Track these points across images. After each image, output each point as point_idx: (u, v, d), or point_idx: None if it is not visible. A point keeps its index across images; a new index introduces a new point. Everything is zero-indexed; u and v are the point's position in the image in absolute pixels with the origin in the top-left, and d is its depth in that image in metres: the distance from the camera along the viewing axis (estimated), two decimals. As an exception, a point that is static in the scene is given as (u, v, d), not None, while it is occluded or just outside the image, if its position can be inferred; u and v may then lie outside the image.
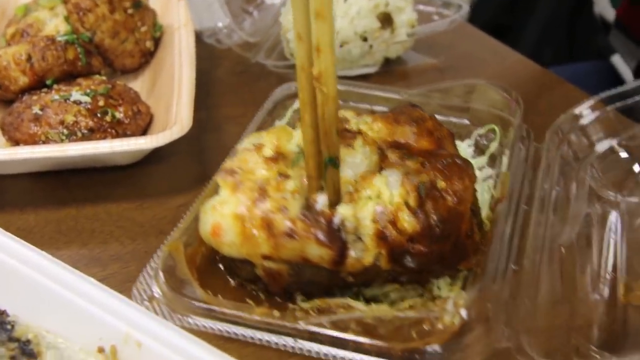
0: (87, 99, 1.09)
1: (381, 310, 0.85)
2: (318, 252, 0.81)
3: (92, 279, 0.74)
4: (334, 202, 0.83)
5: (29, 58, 1.13)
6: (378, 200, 0.83)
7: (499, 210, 0.94)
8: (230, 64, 1.39)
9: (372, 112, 0.98)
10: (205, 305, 0.81)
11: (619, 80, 1.51)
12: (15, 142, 1.09)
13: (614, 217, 0.99)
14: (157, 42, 1.35)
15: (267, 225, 0.82)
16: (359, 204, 0.83)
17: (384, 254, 0.82)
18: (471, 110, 1.13)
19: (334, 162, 0.82)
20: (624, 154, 1.06)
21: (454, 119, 1.01)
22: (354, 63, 1.31)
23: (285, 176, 0.86)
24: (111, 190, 1.08)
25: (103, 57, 1.26)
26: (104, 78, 1.19)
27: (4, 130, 1.10)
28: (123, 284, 0.91)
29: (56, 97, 1.10)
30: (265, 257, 0.83)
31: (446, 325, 0.77)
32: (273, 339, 0.80)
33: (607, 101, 1.07)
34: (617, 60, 1.66)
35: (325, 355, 0.79)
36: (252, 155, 0.90)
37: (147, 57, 1.33)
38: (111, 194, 1.08)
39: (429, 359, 0.76)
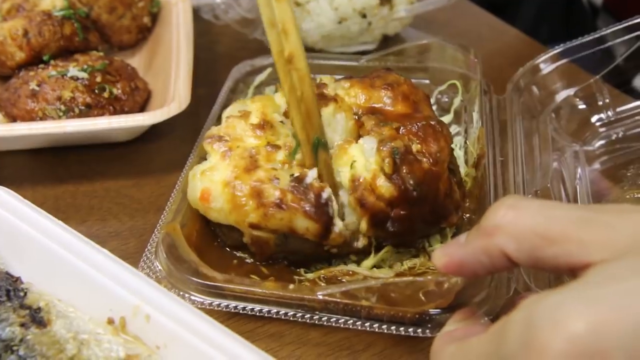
0: (84, 74, 1.10)
1: (383, 272, 0.89)
2: (305, 225, 0.85)
3: (105, 251, 0.77)
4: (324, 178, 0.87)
5: (26, 33, 1.14)
6: (352, 169, 0.87)
7: (484, 165, 0.98)
8: (228, 40, 1.41)
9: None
10: (214, 284, 0.83)
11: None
12: (12, 119, 1.10)
13: (575, 164, 1.05)
14: (154, 18, 1.36)
15: (257, 194, 0.85)
16: (337, 173, 0.88)
17: (365, 220, 0.86)
18: (430, 70, 1.17)
19: (323, 144, 0.87)
20: (581, 105, 1.12)
21: (413, 80, 1.02)
22: (352, 40, 1.31)
23: (275, 147, 0.89)
24: (109, 167, 1.11)
25: (100, 33, 1.27)
26: (101, 54, 1.20)
27: (1, 106, 1.13)
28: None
29: (53, 72, 1.11)
30: (253, 226, 0.86)
31: (452, 284, 0.79)
32: (289, 311, 0.82)
33: (564, 54, 1.12)
34: None
35: (344, 323, 0.82)
36: (239, 122, 0.93)
37: (144, 33, 1.34)
38: (109, 171, 1.10)
39: (439, 319, 0.79)
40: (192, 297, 0.82)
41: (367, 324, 0.81)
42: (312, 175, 0.86)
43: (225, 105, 1.06)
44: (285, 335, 0.84)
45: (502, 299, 0.79)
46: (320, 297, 0.80)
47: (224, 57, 1.36)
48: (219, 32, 1.42)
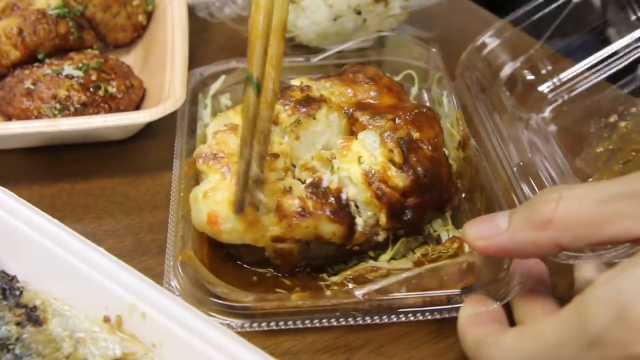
0: (79, 73, 1.10)
1: (402, 263, 0.90)
2: (331, 229, 0.85)
3: (101, 249, 0.77)
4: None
5: (20, 32, 1.14)
6: (361, 164, 0.87)
7: (472, 146, 1.00)
8: (223, 38, 1.40)
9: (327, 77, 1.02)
10: (249, 304, 0.81)
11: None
12: (8, 117, 1.11)
13: (539, 131, 1.09)
14: (149, 16, 1.36)
15: (276, 207, 0.84)
16: (346, 173, 0.88)
17: (383, 213, 0.86)
18: (385, 63, 1.20)
19: (254, 82, 0.82)
20: (529, 76, 1.17)
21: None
22: (347, 37, 1.31)
23: (274, 155, 0.88)
24: (105, 166, 1.11)
25: (95, 31, 1.27)
26: (96, 52, 1.21)
27: (-4, 105, 1.10)
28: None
29: (48, 71, 1.12)
30: (277, 239, 0.85)
31: (472, 264, 0.82)
32: (327, 318, 0.82)
33: (508, 26, 1.19)
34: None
35: (387, 318, 0.83)
36: (229, 136, 0.92)
37: (139, 31, 1.34)
38: (105, 169, 1.10)
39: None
40: (227, 322, 0.81)
41: (402, 317, 0.82)
42: (327, 178, 0.86)
43: (190, 120, 1.05)
44: (281, 333, 0.84)
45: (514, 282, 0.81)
46: (361, 297, 0.80)
47: (220, 54, 1.35)
48: (214, 29, 1.42)
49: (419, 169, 0.88)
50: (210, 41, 1.40)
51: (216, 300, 0.81)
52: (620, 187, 0.66)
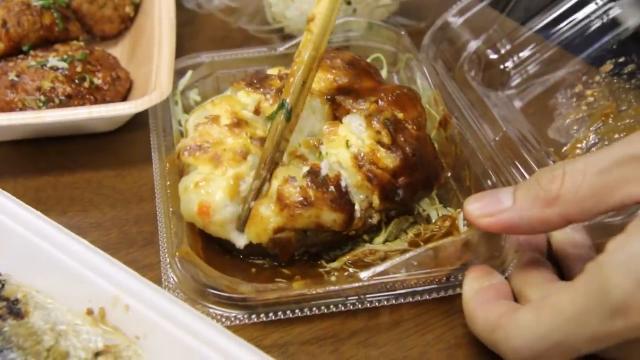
0: (64, 64, 1.09)
1: (398, 244, 0.90)
2: (332, 217, 0.85)
3: (85, 241, 0.76)
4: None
5: (4, 23, 1.14)
6: (349, 148, 0.87)
7: (454, 124, 1.01)
8: (211, 30, 1.39)
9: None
10: (249, 296, 0.81)
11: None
12: None
13: (508, 107, 1.12)
14: (136, 7, 1.36)
15: (278, 197, 0.84)
16: (334, 158, 0.87)
17: (376, 195, 0.87)
18: (351, 48, 1.20)
19: (286, 109, 0.87)
20: (492, 55, 1.20)
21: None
22: (337, 27, 1.29)
23: (261, 139, 0.87)
24: (90, 158, 1.10)
25: (81, 23, 1.27)
26: (81, 44, 1.20)
27: (-20, 97, 1.09)
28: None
29: (32, 63, 1.11)
30: (278, 230, 0.85)
31: (468, 240, 0.83)
32: (329, 304, 0.82)
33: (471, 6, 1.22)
34: None
35: (387, 301, 0.83)
36: (212, 127, 0.92)
37: (126, 22, 1.33)
38: (90, 162, 1.09)
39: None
40: (231, 315, 0.80)
41: (409, 298, 0.83)
42: (325, 165, 0.86)
43: (163, 117, 1.04)
44: (269, 324, 0.83)
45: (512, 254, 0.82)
46: (366, 280, 0.81)
47: (208, 46, 1.34)
48: (203, 21, 1.41)
49: (407, 148, 0.88)
50: (198, 33, 1.39)
51: (219, 293, 0.80)
52: (618, 153, 0.67)
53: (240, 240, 0.88)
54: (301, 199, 0.84)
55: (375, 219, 0.89)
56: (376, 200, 0.87)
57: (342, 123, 0.90)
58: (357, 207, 0.87)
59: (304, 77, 0.87)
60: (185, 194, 0.88)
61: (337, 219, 0.85)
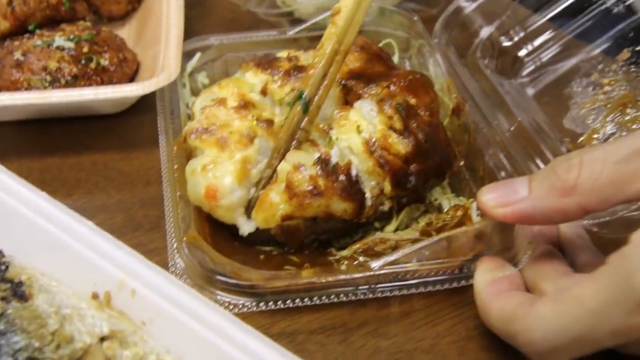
0: (70, 44, 1.08)
1: (409, 233, 0.89)
2: (342, 207, 0.84)
3: (91, 223, 0.74)
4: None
5: (10, 2, 1.13)
6: (360, 133, 0.86)
7: (469, 111, 0.99)
8: (220, 12, 1.37)
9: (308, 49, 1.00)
10: (257, 283, 0.79)
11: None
12: None
13: (522, 95, 1.10)
14: (144, -12, 1.31)
15: (287, 185, 0.83)
16: (345, 143, 0.86)
17: (387, 182, 0.85)
18: (363, 33, 1.15)
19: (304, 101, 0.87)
20: (505, 42, 1.17)
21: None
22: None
23: (268, 121, 0.86)
24: (97, 140, 1.08)
25: (88, 3, 1.25)
26: (88, 24, 1.19)
27: (-15, 76, 1.07)
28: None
29: (39, 42, 1.09)
30: (286, 218, 0.83)
31: (482, 230, 0.82)
32: (339, 293, 0.81)
33: None
34: None
35: (400, 290, 0.82)
36: (218, 109, 0.91)
37: (134, 3, 1.31)
38: (97, 144, 1.07)
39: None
40: (238, 302, 0.79)
41: (421, 288, 0.81)
42: (335, 153, 0.84)
43: (171, 100, 1.02)
44: (276, 312, 0.82)
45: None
46: (377, 269, 0.79)
47: (217, 29, 1.32)
48: (212, 3, 1.39)
49: (419, 134, 0.87)
50: (207, 15, 1.36)
51: (227, 280, 0.78)
52: (637, 142, 0.66)
53: (247, 227, 0.86)
54: (311, 188, 0.82)
55: (386, 206, 0.88)
56: (388, 187, 0.86)
57: (353, 108, 0.89)
58: (368, 194, 0.85)
59: (325, 70, 0.86)
60: (193, 177, 0.86)
61: (348, 208, 0.84)
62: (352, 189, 0.84)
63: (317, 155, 0.85)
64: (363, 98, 0.89)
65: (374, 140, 0.85)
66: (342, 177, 0.83)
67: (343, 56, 0.87)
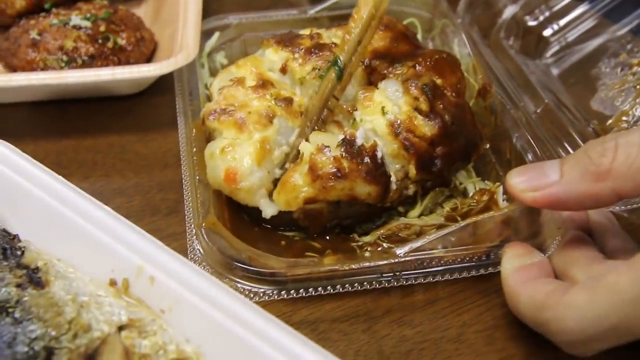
0: (87, 23, 1.06)
1: (433, 218, 0.87)
2: (366, 190, 0.81)
3: (108, 208, 0.73)
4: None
5: (26, -20, 1.08)
6: (385, 115, 0.83)
7: (494, 92, 0.97)
8: (240, -10, 1.33)
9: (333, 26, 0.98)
10: (277, 270, 0.78)
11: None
12: (12, 69, 1.08)
13: (547, 75, 1.09)
14: (162, -35, 1.28)
15: (310, 167, 0.80)
16: (369, 125, 0.84)
17: (412, 165, 0.83)
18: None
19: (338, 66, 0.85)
20: (530, 21, 1.16)
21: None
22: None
23: (287, 100, 0.86)
24: (113, 122, 1.07)
25: (105, -19, 1.20)
26: (105, 2, 1.17)
27: (1, 56, 1.07)
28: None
29: (55, 21, 1.08)
30: (309, 201, 0.81)
31: (510, 216, 0.80)
32: (362, 281, 0.79)
33: None
34: None
35: (424, 277, 0.80)
36: (237, 89, 0.89)
37: (151, -19, 1.27)
38: (113, 125, 1.06)
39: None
40: (259, 290, 0.77)
41: (447, 275, 0.80)
42: (361, 134, 0.82)
43: (189, 80, 1.00)
44: (298, 300, 0.80)
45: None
46: (402, 255, 0.77)
47: (235, 8, 1.29)
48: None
49: (446, 116, 0.84)
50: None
51: (247, 267, 0.77)
52: None
53: (269, 209, 0.84)
54: (334, 170, 0.80)
55: (411, 190, 0.85)
56: (413, 171, 0.83)
57: (377, 88, 0.86)
58: (392, 178, 0.83)
59: (360, 35, 0.83)
60: (212, 160, 0.84)
61: (372, 192, 0.82)
62: (377, 171, 0.81)
63: (341, 136, 0.82)
64: (388, 78, 0.87)
65: (398, 122, 0.83)
66: (366, 159, 0.81)
67: (378, 21, 0.84)
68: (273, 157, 0.84)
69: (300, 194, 0.81)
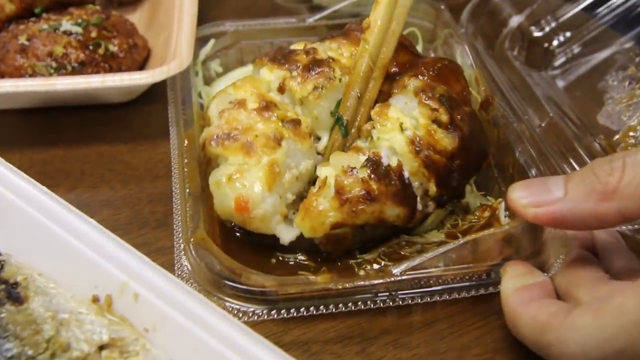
0: (78, 29, 1.05)
1: (434, 235, 0.85)
2: (395, 212, 0.79)
3: (93, 221, 0.71)
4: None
5: (16, -17, 1.07)
6: (404, 132, 0.81)
7: (497, 104, 0.95)
8: (236, -2, 1.32)
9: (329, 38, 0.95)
10: (268, 289, 0.75)
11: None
12: (0, 75, 1.02)
13: (552, 87, 1.08)
14: (157, -29, 1.27)
15: (337, 191, 0.78)
16: (387, 143, 0.81)
17: (432, 182, 0.81)
18: None
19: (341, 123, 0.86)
20: (536, 32, 1.16)
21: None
22: (370, -1, 1.23)
23: (294, 122, 0.81)
24: (103, 131, 1.05)
25: (97, -15, 1.19)
26: (97, 8, 1.16)
27: (-12, 62, 1.04)
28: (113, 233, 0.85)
29: (45, 26, 1.07)
30: (336, 226, 0.79)
31: (512, 233, 0.78)
32: (357, 301, 0.77)
33: None
34: None
35: (423, 297, 0.78)
36: (239, 112, 0.85)
37: (145, -13, 1.26)
38: (103, 135, 1.04)
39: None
40: (248, 309, 0.75)
41: (445, 295, 0.77)
42: (385, 154, 0.80)
43: (182, 89, 0.98)
44: (289, 320, 0.77)
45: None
46: (399, 275, 0.75)
47: (232, 15, 1.28)
48: (228, -12, 1.35)
49: (464, 128, 0.82)
50: (222, 1, 1.32)
51: (237, 285, 0.74)
52: None
53: (287, 235, 0.81)
54: (364, 193, 0.77)
55: (431, 207, 0.83)
56: (433, 188, 0.81)
57: (390, 105, 0.84)
58: (418, 198, 0.81)
59: (361, 90, 0.83)
60: (219, 189, 0.81)
61: (401, 214, 0.79)
62: (406, 192, 0.79)
63: (363, 157, 0.80)
64: (394, 94, 0.84)
65: (418, 139, 0.80)
66: (394, 180, 0.79)
67: (382, 72, 0.83)
68: (284, 181, 0.81)
69: (327, 220, 0.78)
